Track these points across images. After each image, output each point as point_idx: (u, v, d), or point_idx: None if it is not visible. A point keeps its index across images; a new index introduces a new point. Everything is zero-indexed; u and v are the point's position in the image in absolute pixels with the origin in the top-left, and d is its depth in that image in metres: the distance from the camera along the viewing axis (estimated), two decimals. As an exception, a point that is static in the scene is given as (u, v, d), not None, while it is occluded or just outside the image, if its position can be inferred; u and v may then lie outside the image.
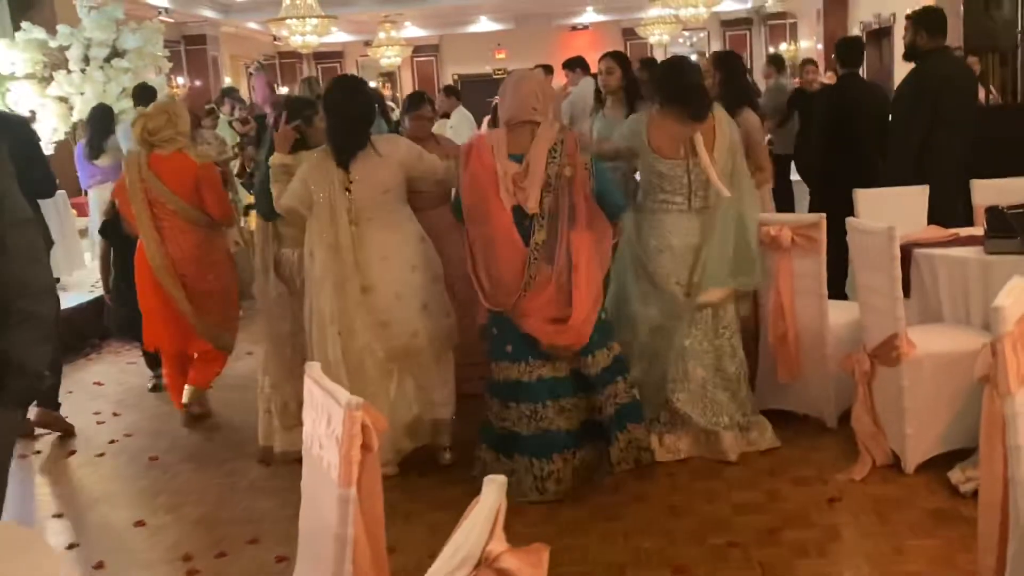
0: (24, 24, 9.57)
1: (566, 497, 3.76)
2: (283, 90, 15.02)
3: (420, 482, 4.01)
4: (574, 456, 3.82)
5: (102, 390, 5.86)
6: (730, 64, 5.00)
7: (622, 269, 4.24)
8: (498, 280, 3.73)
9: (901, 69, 9.88)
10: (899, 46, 12.54)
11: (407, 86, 21.46)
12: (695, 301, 4.05)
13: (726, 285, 4.11)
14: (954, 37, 8.61)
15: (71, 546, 3.73)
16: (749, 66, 14.62)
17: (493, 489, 1.44)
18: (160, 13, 13.95)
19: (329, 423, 2.00)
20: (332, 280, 3.90)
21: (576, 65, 7.75)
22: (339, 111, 3.98)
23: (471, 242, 3.81)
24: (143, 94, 8.02)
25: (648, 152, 4.03)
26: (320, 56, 21.29)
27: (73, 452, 4.81)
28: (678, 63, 4.48)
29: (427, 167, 4.06)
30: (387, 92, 20.27)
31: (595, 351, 3.80)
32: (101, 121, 8.07)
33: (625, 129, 4.21)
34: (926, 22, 5.26)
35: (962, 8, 8.05)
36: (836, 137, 5.87)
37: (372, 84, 20.62)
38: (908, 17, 5.50)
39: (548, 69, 8.65)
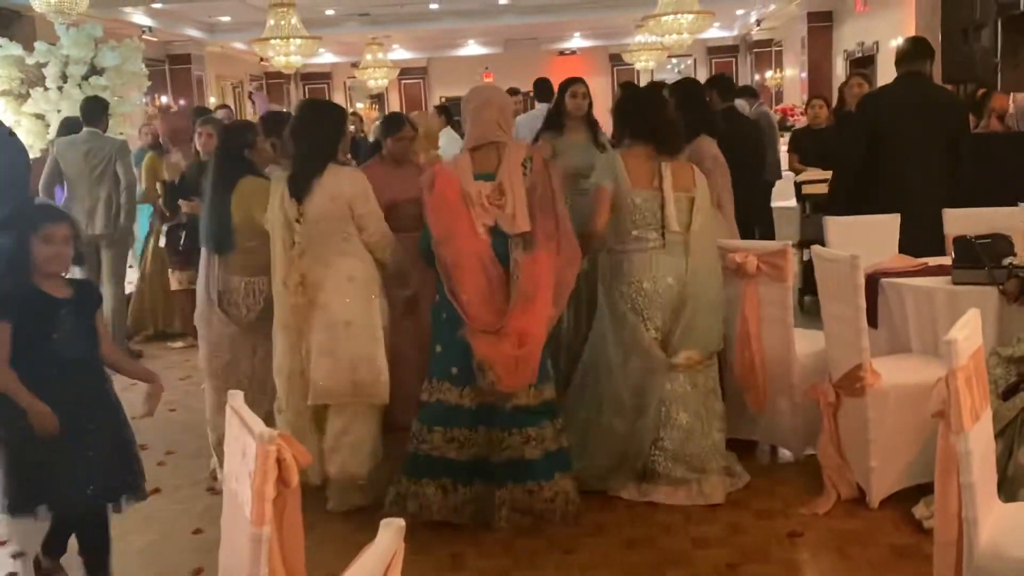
0: (1, 40, 9.49)
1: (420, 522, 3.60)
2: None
3: (371, 513, 3.90)
4: (454, 488, 3.64)
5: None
6: (685, 92, 4.93)
7: (599, 312, 4.08)
8: (479, 301, 3.57)
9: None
10: (882, 73, 12.62)
11: (395, 108, 21.46)
12: (673, 360, 3.85)
13: (710, 349, 3.96)
14: (935, 67, 8.62)
15: None
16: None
17: (388, 533, 1.35)
18: (144, 32, 13.92)
19: (244, 456, 1.91)
20: (282, 319, 3.89)
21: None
22: (295, 137, 3.93)
23: (443, 264, 3.62)
24: (93, 109, 7.11)
25: (625, 183, 3.89)
26: (307, 77, 21.31)
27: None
28: (647, 96, 4.29)
29: (368, 212, 3.87)
30: (374, 114, 20.25)
31: None
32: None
33: (599, 165, 4.04)
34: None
35: (940, 38, 8.03)
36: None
37: (360, 105, 20.69)
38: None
39: (514, 91, 8.56)
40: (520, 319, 3.52)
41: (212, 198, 4.15)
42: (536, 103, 8.15)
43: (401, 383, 4.00)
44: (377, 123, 6.28)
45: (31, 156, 9.19)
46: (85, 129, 6.95)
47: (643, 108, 4.09)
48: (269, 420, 3.88)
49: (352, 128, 10.73)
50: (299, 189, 3.82)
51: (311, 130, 3.90)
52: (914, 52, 5.29)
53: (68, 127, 7.43)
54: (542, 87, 8.12)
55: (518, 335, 3.52)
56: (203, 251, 4.22)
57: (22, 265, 3.11)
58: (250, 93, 13.52)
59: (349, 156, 4.58)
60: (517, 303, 3.53)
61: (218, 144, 4.39)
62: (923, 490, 3.56)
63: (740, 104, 8.70)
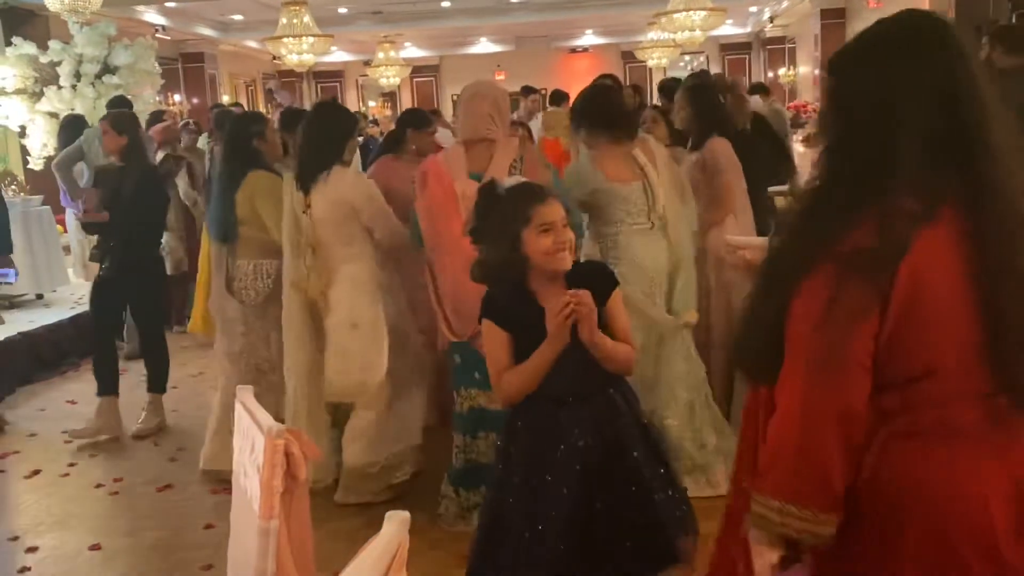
0: (15, 39, 9.57)
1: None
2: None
3: (381, 508, 3.91)
4: None
5: (75, 409, 5.76)
6: (696, 92, 4.92)
7: None
8: (461, 307, 3.47)
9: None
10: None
11: (407, 106, 21.50)
12: (679, 322, 3.95)
13: (694, 307, 4.04)
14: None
15: (22, 570, 3.64)
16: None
17: (393, 525, 1.36)
18: (158, 31, 13.99)
19: (253, 450, 1.92)
20: (291, 319, 3.94)
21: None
22: (306, 133, 3.98)
23: (432, 269, 3.60)
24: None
25: (604, 182, 3.88)
26: (319, 75, 21.37)
27: (37, 472, 4.73)
28: (596, 92, 4.30)
29: (374, 213, 3.89)
30: (387, 112, 20.30)
31: None
32: (69, 136, 7.46)
33: (573, 175, 4.00)
34: (1007, 39, 5.11)
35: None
36: None
37: (372, 103, 20.74)
38: (989, 35, 5.31)
39: (530, 89, 8.94)
40: None
41: (218, 189, 4.23)
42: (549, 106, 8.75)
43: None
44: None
45: (45, 154, 9.28)
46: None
47: (593, 99, 4.10)
48: (282, 408, 3.95)
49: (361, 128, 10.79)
50: (305, 181, 3.86)
51: (322, 128, 3.96)
52: (1018, 44, 5.16)
53: (72, 126, 7.42)
54: (557, 95, 8.82)
55: None
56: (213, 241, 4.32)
57: (518, 271, 2.42)
58: (270, 89, 13.31)
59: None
60: None
61: (227, 136, 4.44)
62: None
63: (755, 100, 8.71)
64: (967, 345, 1.55)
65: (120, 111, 5.86)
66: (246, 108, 13.21)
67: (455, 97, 19.35)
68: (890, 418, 1.59)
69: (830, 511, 1.57)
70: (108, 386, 5.17)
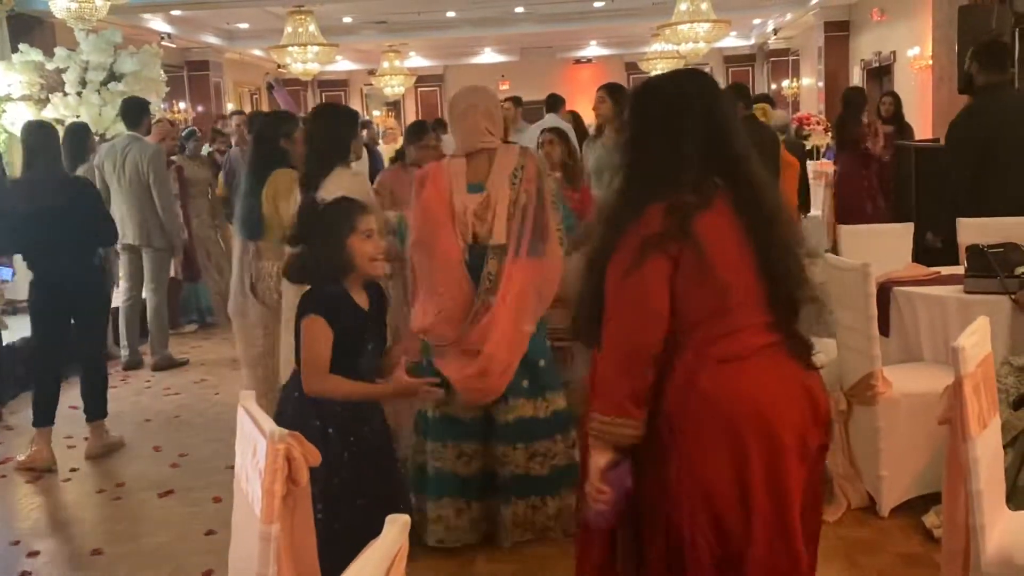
0: (22, 46, 9.60)
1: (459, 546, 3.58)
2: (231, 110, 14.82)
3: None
4: (468, 507, 3.60)
5: (77, 414, 5.74)
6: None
7: None
8: (444, 316, 3.44)
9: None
10: (899, 83, 12.58)
11: (411, 116, 21.52)
12: None
13: None
14: (951, 83, 8.61)
15: (23, 575, 3.65)
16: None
17: (394, 529, 1.37)
18: (163, 38, 14.02)
19: (255, 454, 1.93)
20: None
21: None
22: (310, 136, 4.00)
23: (415, 272, 3.56)
24: (131, 110, 7.04)
25: None
26: (324, 84, 21.42)
27: (40, 476, 4.74)
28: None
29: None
30: (391, 122, 20.34)
31: (511, 397, 3.51)
32: (74, 143, 6.97)
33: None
34: (983, 55, 5.11)
35: (956, 48, 8.01)
36: None
37: (376, 113, 20.77)
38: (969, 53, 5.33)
39: (517, 101, 8.90)
40: (478, 334, 3.41)
41: (246, 187, 4.25)
42: (545, 113, 8.54)
43: None
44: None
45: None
46: (126, 134, 6.98)
47: None
48: None
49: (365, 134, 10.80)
50: (310, 183, 3.86)
51: (325, 130, 3.97)
52: (993, 62, 5.15)
53: (75, 134, 7.34)
54: (552, 100, 8.76)
55: (475, 352, 3.40)
56: (236, 241, 4.32)
57: (343, 272, 2.72)
58: (270, 84, 13.23)
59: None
60: (478, 316, 3.42)
61: (255, 133, 4.49)
62: (934, 499, 3.55)
63: (781, 115, 8.73)
64: (752, 291, 2.14)
65: None
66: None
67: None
68: (708, 346, 2.12)
69: (630, 417, 2.11)
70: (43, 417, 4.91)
